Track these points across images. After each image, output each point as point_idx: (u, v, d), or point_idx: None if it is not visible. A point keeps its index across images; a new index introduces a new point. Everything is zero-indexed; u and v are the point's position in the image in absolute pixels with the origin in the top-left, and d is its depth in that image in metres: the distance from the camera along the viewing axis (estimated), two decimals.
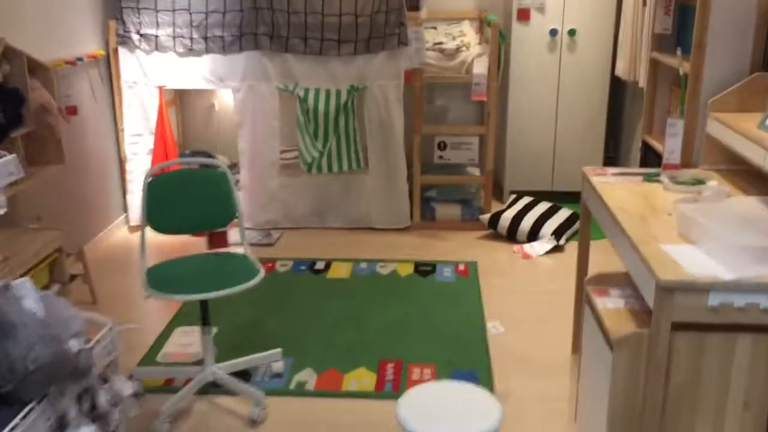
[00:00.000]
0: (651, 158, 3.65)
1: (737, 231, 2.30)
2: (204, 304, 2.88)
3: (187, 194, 2.98)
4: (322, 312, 3.80)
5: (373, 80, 4.66)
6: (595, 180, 3.01)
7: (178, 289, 2.72)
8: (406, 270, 4.31)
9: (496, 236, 4.80)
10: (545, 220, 4.71)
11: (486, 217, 4.80)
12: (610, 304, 2.49)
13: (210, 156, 5.50)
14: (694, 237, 2.33)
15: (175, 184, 2.97)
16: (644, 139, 3.79)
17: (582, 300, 2.90)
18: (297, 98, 4.67)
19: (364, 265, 4.38)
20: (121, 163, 4.89)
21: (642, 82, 4.00)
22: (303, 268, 4.35)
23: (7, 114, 3.21)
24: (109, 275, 4.18)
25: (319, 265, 4.39)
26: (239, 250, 2.98)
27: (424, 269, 4.32)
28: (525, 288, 4.09)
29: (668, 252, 2.24)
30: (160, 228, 2.93)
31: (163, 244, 4.33)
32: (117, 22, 4.63)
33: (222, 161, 5.53)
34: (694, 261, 2.18)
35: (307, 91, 4.67)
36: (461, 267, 4.34)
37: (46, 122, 3.41)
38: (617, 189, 2.88)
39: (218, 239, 3.07)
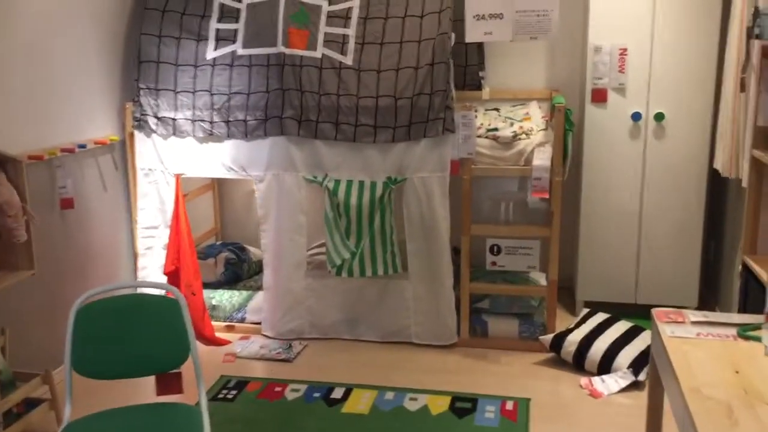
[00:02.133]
0: (754, 290, 2.74)
1: None
2: None
3: (127, 328, 2.35)
4: None
5: (414, 172, 3.98)
6: (667, 332, 2.16)
7: None
8: (440, 406, 3.50)
9: (560, 362, 3.91)
10: (622, 347, 3.79)
11: (548, 338, 3.94)
12: None
13: (242, 249, 4.95)
14: None
15: (112, 314, 2.35)
16: (745, 261, 2.88)
17: None
18: (326, 190, 4.05)
19: (390, 395, 3.61)
20: (135, 258, 4.39)
21: (745, 182, 3.11)
22: (317, 395, 3.63)
23: None
24: (91, 400, 3.51)
25: (337, 393, 3.65)
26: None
27: (462, 406, 3.50)
28: None
29: None
30: (87, 371, 2.32)
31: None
32: (134, 105, 4.21)
33: (253, 254, 4.98)
34: None
35: (337, 182, 4.04)
36: (509, 406, 3.49)
37: (2, 224, 2.91)
38: (696, 351, 2.03)
39: (169, 383, 2.42)
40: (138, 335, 2.36)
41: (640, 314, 4.36)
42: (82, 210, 3.92)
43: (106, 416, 2.31)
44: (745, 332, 2.13)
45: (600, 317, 4.08)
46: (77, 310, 2.31)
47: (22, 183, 3.11)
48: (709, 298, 4.51)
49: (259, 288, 4.57)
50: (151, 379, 2.49)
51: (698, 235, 4.29)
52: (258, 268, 4.90)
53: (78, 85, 3.87)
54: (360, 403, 3.54)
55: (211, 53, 4.14)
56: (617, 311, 4.26)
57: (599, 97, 4.24)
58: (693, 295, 4.36)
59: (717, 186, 4.35)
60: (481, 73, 4.72)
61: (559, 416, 3.41)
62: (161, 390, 2.44)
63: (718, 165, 3.83)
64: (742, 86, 2.76)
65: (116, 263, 4.27)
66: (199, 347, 4.15)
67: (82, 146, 3.83)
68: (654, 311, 2.31)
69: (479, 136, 4.00)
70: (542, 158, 3.87)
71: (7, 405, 3.01)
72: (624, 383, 3.63)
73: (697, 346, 2.05)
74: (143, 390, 3.33)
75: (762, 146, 2.78)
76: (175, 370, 2.44)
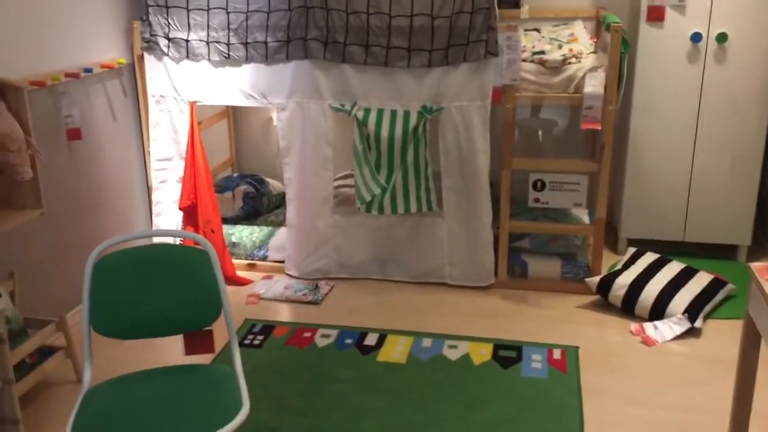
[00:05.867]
0: None
1: None
2: None
3: (152, 283, 2.07)
4: (356, 422, 2.81)
5: (452, 100, 3.62)
6: None
7: None
8: (483, 355, 3.26)
9: (606, 306, 3.66)
10: (676, 291, 3.53)
11: (594, 280, 3.67)
12: None
13: (261, 181, 4.63)
14: None
15: (133, 267, 2.07)
16: None
17: None
18: (355, 120, 3.71)
19: (427, 342, 3.37)
20: (149, 193, 4.09)
21: None
22: (349, 342, 3.39)
23: None
24: (113, 361, 3.13)
25: (371, 339, 3.41)
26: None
27: (507, 355, 3.26)
28: (646, 395, 2.95)
29: None
30: (108, 331, 2.05)
31: None
32: (143, 24, 3.82)
33: (273, 187, 4.67)
34: None
35: (367, 111, 3.69)
36: (556, 355, 3.25)
37: (4, 161, 2.60)
38: None
39: (199, 342, 2.17)
40: (163, 291, 2.08)
41: (688, 253, 4.12)
42: (91, 141, 3.60)
43: (129, 381, 2.05)
44: None
45: (650, 257, 3.80)
46: (94, 263, 2.03)
47: (25, 113, 2.77)
48: (761, 236, 4.22)
49: (281, 224, 4.29)
50: (178, 337, 2.23)
51: (756, 168, 3.97)
52: (278, 202, 4.61)
53: (80, 2, 3.48)
54: (396, 351, 3.30)
55: None
56: (664, 250, 3.99)
57: (656, 15, 3.83)
58: (746, 233, 4.06)
59: None
60: None
61: (611, 366, 3.17)
62: (190, 350, 2.19)
63: None
64: None
65: (130, 198, 3.98)
66: None
67: (88, 70, 3.48)
68: (754, 266, 2.02)
69: (524, 60, 3.63)
70: (595, 85, 3.51)
71: (19, 356, 2.77)
72: (679, 330, 3.38)
73: None
74: (171, 348, 3.13)
75: None
76: (205, 328, 2.18)
